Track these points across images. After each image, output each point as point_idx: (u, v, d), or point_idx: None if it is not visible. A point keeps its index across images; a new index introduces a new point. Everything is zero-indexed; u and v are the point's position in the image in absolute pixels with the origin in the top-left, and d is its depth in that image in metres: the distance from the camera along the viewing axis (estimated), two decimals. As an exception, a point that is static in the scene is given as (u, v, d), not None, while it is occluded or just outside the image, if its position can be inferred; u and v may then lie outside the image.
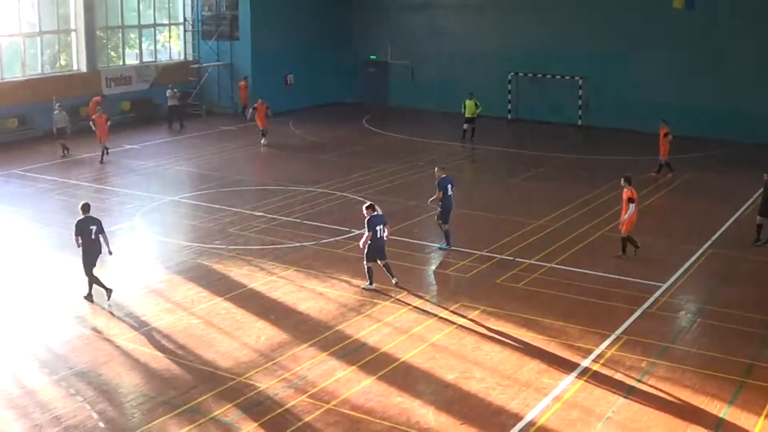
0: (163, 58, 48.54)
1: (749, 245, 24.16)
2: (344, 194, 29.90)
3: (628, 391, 15.69)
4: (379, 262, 20.86)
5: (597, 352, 17.27)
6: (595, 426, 14.49)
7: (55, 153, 35.64)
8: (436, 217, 24.09)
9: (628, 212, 22.48)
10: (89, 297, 19.88)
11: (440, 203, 23.76)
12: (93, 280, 19.87)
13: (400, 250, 23.05)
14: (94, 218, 20.07)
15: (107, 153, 34.82)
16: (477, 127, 40.08)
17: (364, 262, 20.87)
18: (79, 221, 19.89)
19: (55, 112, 36.39)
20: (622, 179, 23.03)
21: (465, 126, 39.96)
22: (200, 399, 15.35)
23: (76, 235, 19.76)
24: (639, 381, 16.09)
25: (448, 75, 47.22)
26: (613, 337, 17.97)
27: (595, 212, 27.48)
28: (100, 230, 19.85)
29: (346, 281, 21.33)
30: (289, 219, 26.73)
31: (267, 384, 15.94)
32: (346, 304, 19.89)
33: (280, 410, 15.00)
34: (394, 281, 20.76)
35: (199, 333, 18.31)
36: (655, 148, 32.95)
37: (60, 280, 21.59)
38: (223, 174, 32.05)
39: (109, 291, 19.87)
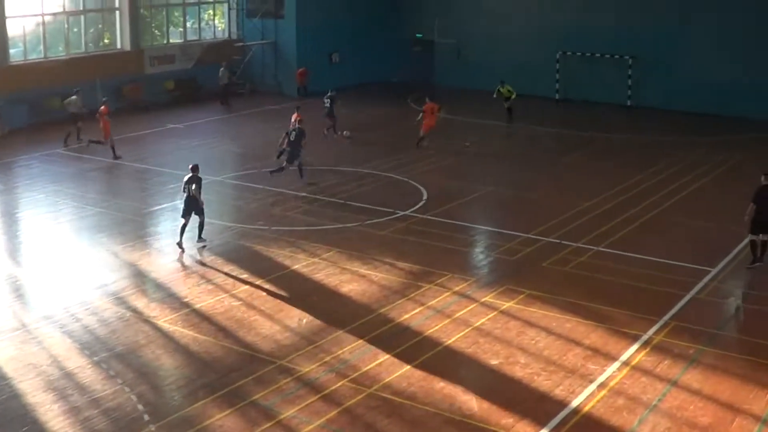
0: (207, 36, 48.45)
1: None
2: (388, 174, 29.68)
3: (676, 379, 15.37)
4: (183, 219, 22.31)
5: (644, 338, 16.95)
6: (641, 414, 14.20)
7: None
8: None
9: None
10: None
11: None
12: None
13: (444, 232, 22.91)
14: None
15: None
16: (521, 107, 39.48)
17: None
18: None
19: (72, 97, 34.99)
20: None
21: (506, 104, 39.30)
22: (240, 382, 15.26)
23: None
24: (687, 368, 15.75)
25: (495, 54, 46.55)
26: (660, 323, 17.62)
27: (643, 195, 27.02)
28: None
29: (389, 263, 21.14)
30: (332, 200, 26.61)
31: (308, 368, 15.81)
32: (389, 287, 19.71)
33: (321, 395, 14.86)
34: (197, 244, 22.34)
35: (240, 315, 18.23)
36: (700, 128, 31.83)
37: (101, 258, 21.64)
38: (267, 154, 31.82)
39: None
